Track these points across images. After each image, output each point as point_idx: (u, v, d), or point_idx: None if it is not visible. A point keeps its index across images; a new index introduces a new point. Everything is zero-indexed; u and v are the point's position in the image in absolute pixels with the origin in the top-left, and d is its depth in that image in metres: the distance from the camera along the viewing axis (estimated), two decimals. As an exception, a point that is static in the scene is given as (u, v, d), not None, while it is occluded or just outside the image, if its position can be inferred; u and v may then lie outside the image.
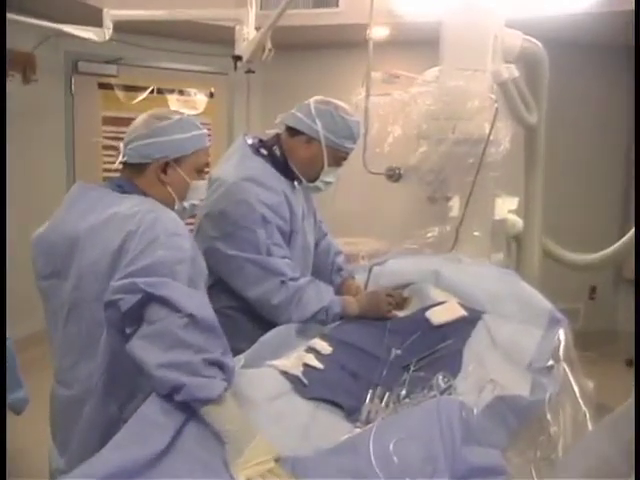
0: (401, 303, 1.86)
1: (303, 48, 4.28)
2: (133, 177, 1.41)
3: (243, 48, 3.19)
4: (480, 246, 2.34)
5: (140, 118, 1.44)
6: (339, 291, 1.90)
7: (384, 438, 1.05)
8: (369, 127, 2.40)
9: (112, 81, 4.43)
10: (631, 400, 0.91)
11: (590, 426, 1.27)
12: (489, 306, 1.72)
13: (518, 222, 2.78)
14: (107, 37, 3.26)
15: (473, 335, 1.60)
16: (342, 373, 1.41)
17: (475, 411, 1.16)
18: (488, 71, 2.25)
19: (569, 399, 1.31)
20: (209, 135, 1.52)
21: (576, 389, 1.34)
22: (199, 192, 1.51)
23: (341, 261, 2.06)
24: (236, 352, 1.30)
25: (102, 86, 4.42)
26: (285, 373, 1.36)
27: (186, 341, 1.08)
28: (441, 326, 1.65)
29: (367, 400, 1.30)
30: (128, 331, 1.13)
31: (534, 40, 2.45)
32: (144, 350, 1.09)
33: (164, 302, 1.11)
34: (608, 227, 3.95)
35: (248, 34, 3.16)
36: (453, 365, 1.44)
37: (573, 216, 3.94)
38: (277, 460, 1.04)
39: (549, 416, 1.21)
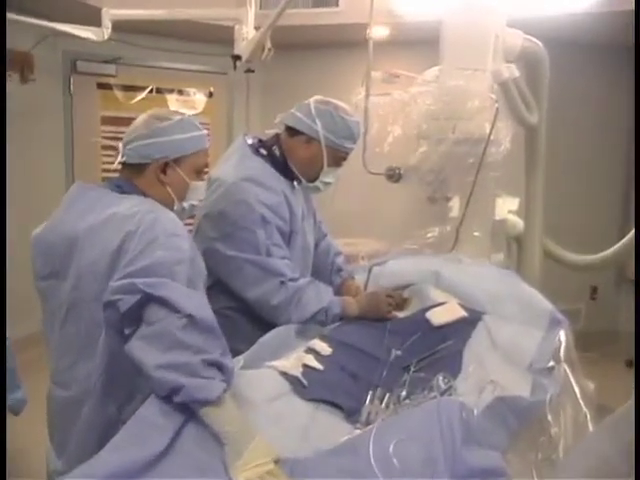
0: (401, 304, 1.86)
1: (303, 48, 4.27)
2: (132, 177, 1.41)
3: (242, 48, 3.17)
4: (480, 246, 2.33)
5: (140, 118, 1.44)
6: (339, 292, 1.89)
7: (384, 439, 1.05)
8: (369, 127, 2.39)
9: (111, 81, 4.42)
10: (631, 401, 0.91)
11: (591, 427, 1.27)
12: (489, 307, 1.71)
13: (519, 222, 2.77)
14: (106, 37, 3.25)
15: (473, 336, 1.60)
16: (342, 374, 1.40)
17: (475, 412, 1.15)
18: (488, 71, 2.24)
19: (570, 400, 1.30)
20: (208, 135, 1.51)
21: (577, 390, 1.34)
22: (198, 193, 1.51)
23: (341, 262, 2.05)
24: (235, 353, 1.29)
25: (101, 86, 4.41)
26: (284, 374, 1.35)
27: (185, 342, 1.07)
28: (441, 327, 1.64)
29: (367, 401, 1.29)
30: (127, 332, 1.13)
31: (535, 40, 2.45)
32: (143, 351, 1.08)
33: (163, 303, 1.10)
34: (609, 227, 3.95)
35: (247, 33, 3.15)
36: (453, 366, 1.44)
37: (574, 216, 3.93)
38: (276, 461, 1.03)
39: (550, 417, 1.21)
